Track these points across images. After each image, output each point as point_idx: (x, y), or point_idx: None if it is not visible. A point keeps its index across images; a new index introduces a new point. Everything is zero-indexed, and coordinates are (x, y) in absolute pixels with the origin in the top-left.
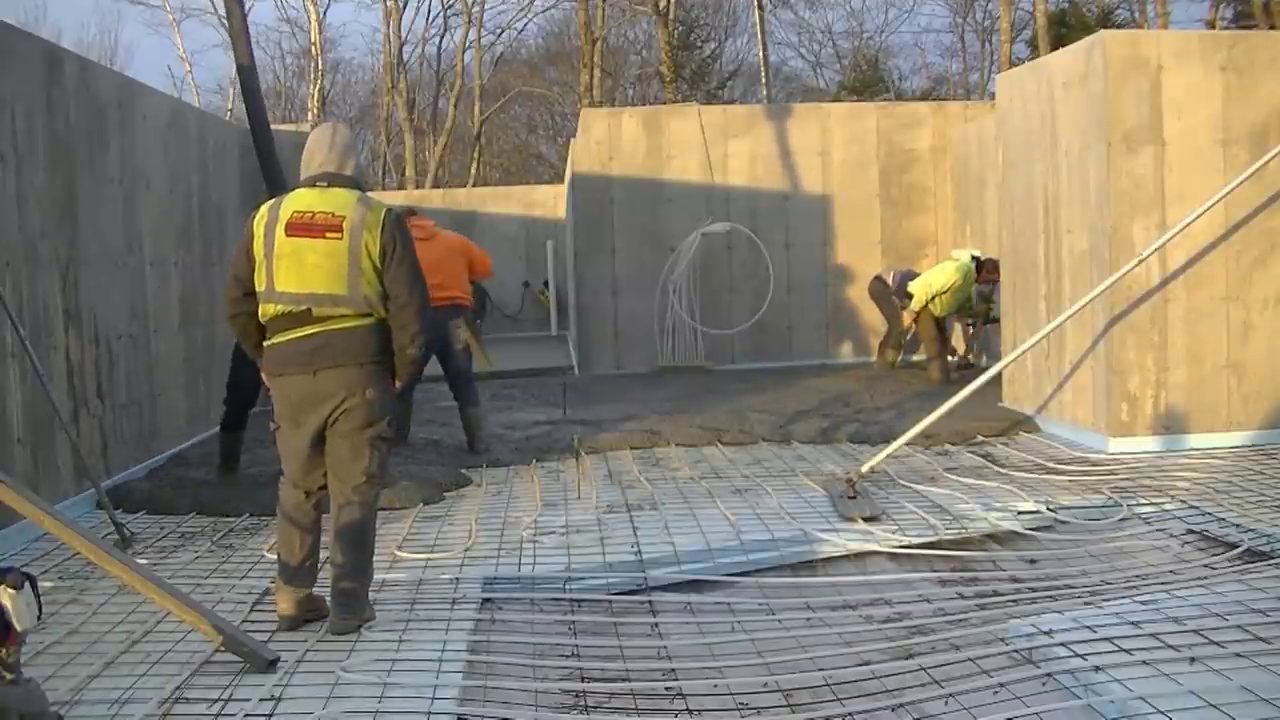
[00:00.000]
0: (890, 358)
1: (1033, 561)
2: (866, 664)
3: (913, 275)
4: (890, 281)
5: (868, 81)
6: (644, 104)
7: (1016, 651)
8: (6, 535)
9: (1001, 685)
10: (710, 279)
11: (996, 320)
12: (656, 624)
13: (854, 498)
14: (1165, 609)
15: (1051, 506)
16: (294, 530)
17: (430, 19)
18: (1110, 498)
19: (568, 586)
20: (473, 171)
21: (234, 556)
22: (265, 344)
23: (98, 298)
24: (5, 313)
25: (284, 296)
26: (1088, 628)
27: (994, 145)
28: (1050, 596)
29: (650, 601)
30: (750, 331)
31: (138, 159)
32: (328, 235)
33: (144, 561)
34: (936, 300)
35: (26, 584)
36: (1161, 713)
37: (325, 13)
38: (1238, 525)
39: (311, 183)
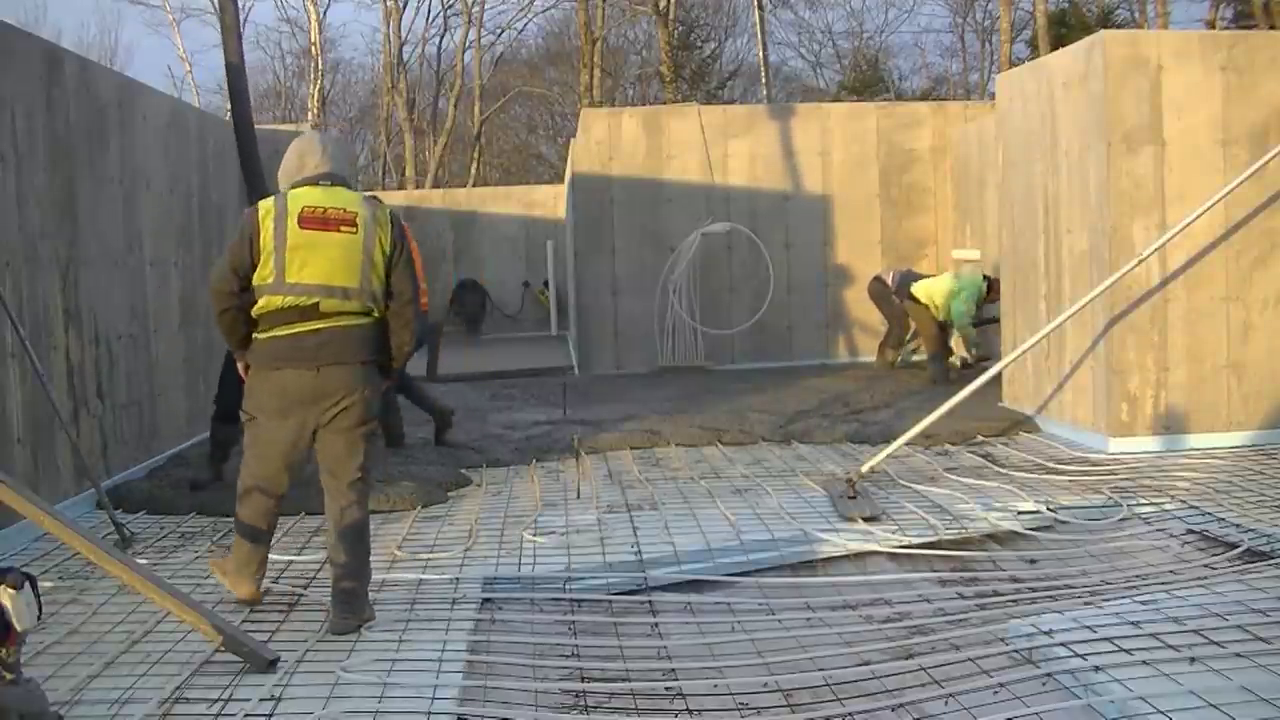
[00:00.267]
0: (890, 358)
1: (1033, 561)
2: (866, 664)
3: (913, 275)
4: (890, 281)
5: (868, 81)
6: (644, 104)
7: (1016, 651)
8: (6, 535)
9: (1001, 685)
10: (710, 279)
11: (996, 320)
12: (656, 624)
13: (854, 498)
14: (1165, 609)
15: (1051, 506)
16: (256, 544)
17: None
18: (1110, 498)
19: (568, 586)
20: (473, 171)
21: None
22: (260, 337)
23: (98, 298)
24: (5, 313)
25: (295, 288)
26: (1088, 628)
27: (994, 145)
28: (1050, 596)
29: (650, 601)
30: (750, 331)
31: (138, 159)
32: (343, 229)
33: (144, 561)
34: (940, 308)
35: (26, 584)
36: (1161, 713)
37: (325, 13)
38: (1238, 525)
39: (314, 181)
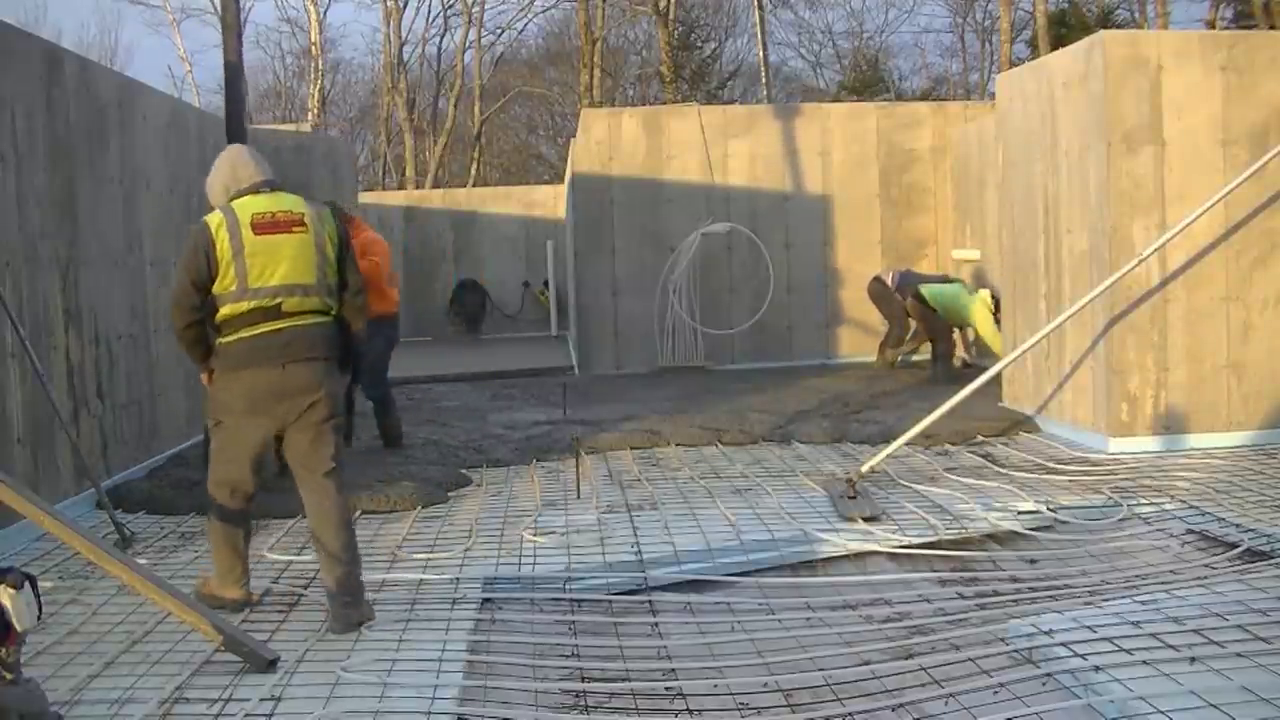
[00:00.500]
0: (890, 358)
1: (1033, 561)
2: (866, 664)
3: (913, 275)
4: (890, 282)
5: (868, 81)
6: (644, 104)
7: (1016, 651)
8: (6, 535)
9: (1001, 685)
10: (710, 279)
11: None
12: (656, 624)
13: (854, 498)
14: (1165, 609)
15: (1051, 506)
16: (237, 548)
17: (430, 19)
18: (1110, 498)
19: (568, 586)
20: (473, 171)
21: None
22: (224, 340)
23: (98, 298)
24: (5, 313)
25: (259, 292)
26: (1088, 628)
27: (994, 145)
28: (1050, 596)
29: (650, 601)
30: (750, 331)
31: (138, 159)
32: (294, 230)
33: (144, 561)
34: (948, 315)
35: (26, 584)
36: (1161, 713)
37: (325, 13)
38: (1238, 525)
39: (255, 189)
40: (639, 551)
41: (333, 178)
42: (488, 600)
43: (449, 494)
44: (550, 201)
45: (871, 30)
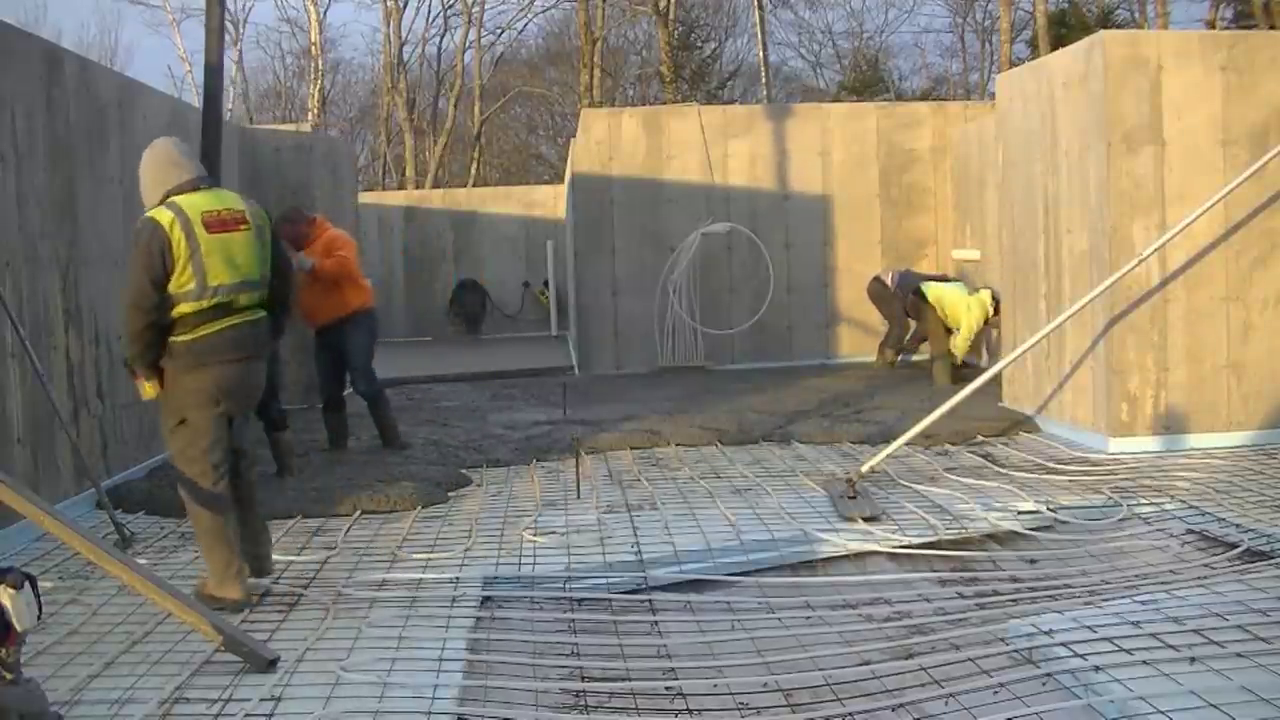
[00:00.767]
0: (890, 358)
1: (1033, 561)
2: (866, 664)
3: (913, 275)
4: (889, 282)
5: (868, 81)
6: (644, 104)
7: (1016, 651)
8: (6, 535)
9: (1001, 685)
10: (710, 279)
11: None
12: (656, 623)
13: (854, 498)
14: (1165, 609)
15: (1051, 506)
16: (229, 542)
17: (430, 19)
18: (1110, 498)
19: (568, 586)
20: (473, 171)
21: None
22: (184, 338)
23: (98, 298)
24: (5, 313)
25: (219, 289)
26: (1088, 628)
27: (994, 145)
28: (1050, 596)
29: (650, 601)
30: (750, 331)
31: (138, 159)
32: (240, 228)
33: (144, 561)
34: (944, 314)
35: (26, 584)
36: (1161, 713)
37: (325, 13)
38: (1238, 525)
39: (195, 186)
40: (639, 551)
41: (333, 178)
42: (488, 600)
43: (449, 494)
44: (550, 201)
45: (871, 30)
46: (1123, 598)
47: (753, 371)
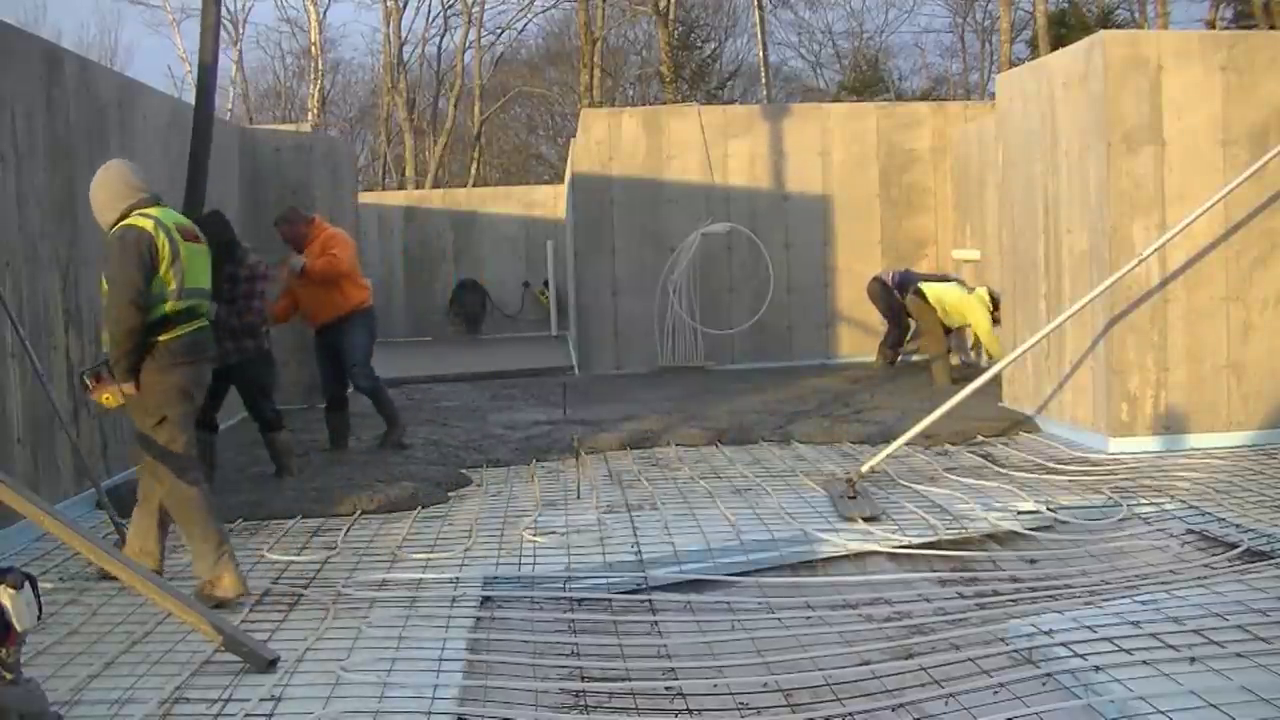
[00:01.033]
0: (890, 357)
1: (1033, 561)
2: (866, 664)
3: (913, 275)
4: (890, 282)
5: (868, 81)
6: (644, 104)
7: (1016, 651)
8: (6, 535)
9: (1001, 685)
10: (710, 279)
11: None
12: (656, 623)
13: (854, 498)
14: (1165, 609)
15: (1051, 506)
16: (221, 532)
17: (430, 19)
18: (1110, 498)
19: (568, 586)
20: (473, 171)
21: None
22: (163, 338)
23: (98, 298)
24: (5, 313)
25: (193, 293)
26: (1088, 628)
27: (994, 145)
28: (1050, 596)
29: (650, 601)
30: (750, 331)
31: (138, 159)
32: (199, 240)
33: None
34: (945, 314)
35: (26, 584)
36: (1161, 713)
37: (325, 13)
38: (1238, 525)
39: (155, 201)
40: (639, 551)
41: (332, 178)
42: (488, 599)
43: (449, 494)
44: (550, 201)
45: (871, 30)
46: (1123, 598)
47: (753, 371)
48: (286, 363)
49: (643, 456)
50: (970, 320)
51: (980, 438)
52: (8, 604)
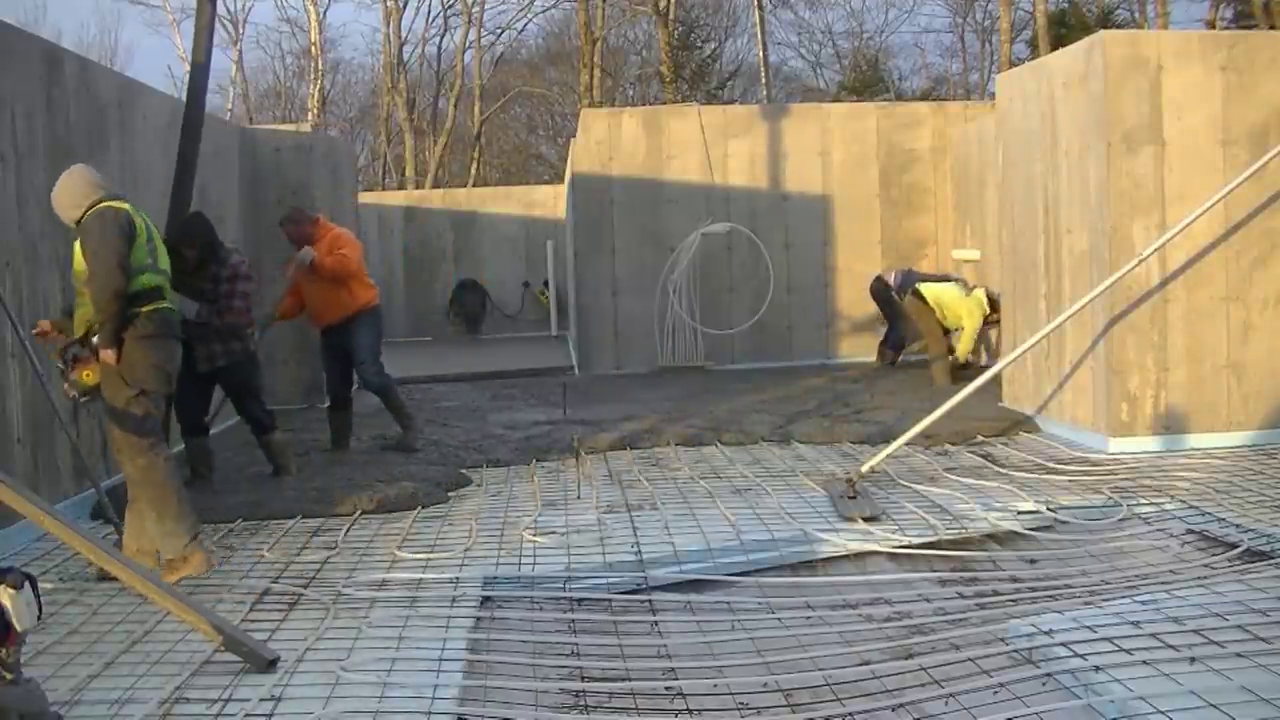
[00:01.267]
0: (890, 357)
1: (1033, 561)
2: (866, 664)
3: (914, 274)
4: (891, 281)
5: (868, 81)
6: (644, 104)
7: (1016, 651)
8: (6, 535)
9: (1001, 685)
10: (710, 279)
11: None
12: (656, 623)
13: (854, 498)
14: (1165, 609)
15: (1051, 506)
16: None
17: (430, 19)
18: (1110, 498)
19: (568, 586)
20: (473, 171)
21: (234, 557)
22: (145, 309)
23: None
24: (5, 313)
25: (164, 272)
26: (1088, 628)
27: (994, 145)
28: (1050, 596)
29: (650, 601)
30: (750, 331)
31: (138, 159)
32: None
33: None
34: (944, 314)
35: (26, 584)
36: (1161, 713)
37: (325, 13)
38: (1238, 525)
39: (116, 196)
40: (639, 551)
41: (332, 178)
42: (488, 599)
43: (449, 494)
44: (550, 201)
45: (871, 30)
46: (1123, 598)
47: (753, 371)
48: (286, 362)
49: (642, 456)
50: (963, 322)
51: (980, 438)
52: (8, 604)
